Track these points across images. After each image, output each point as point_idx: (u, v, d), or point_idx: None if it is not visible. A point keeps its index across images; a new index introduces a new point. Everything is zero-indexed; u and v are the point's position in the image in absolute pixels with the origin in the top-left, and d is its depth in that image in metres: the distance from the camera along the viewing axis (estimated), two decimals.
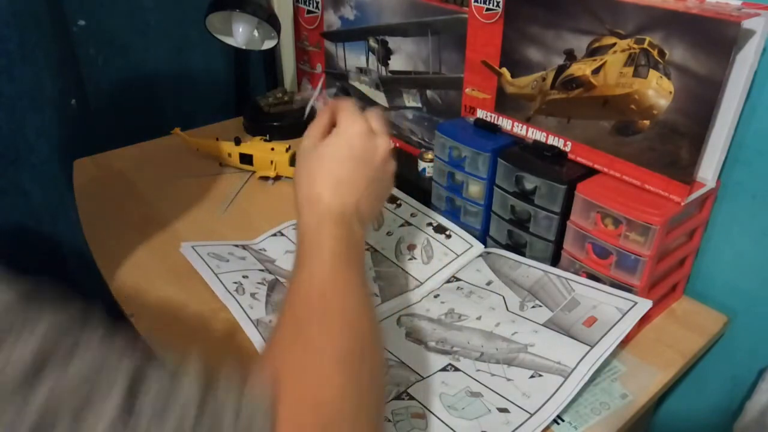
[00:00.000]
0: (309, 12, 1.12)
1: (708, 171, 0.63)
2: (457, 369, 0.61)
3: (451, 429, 0.54)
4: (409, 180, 0.90)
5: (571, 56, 0.67)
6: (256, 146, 0.99)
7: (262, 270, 0.74)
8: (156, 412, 0.30)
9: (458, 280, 0.74)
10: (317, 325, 0.42)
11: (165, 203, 0.91)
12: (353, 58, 1.07)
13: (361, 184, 0.53)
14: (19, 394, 0.28)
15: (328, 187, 0.51)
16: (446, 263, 0.76)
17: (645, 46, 0.60)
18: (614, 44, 0.62)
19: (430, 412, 0.56)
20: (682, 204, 0.62)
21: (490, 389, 0.58)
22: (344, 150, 0.53)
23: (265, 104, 1.17)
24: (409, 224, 0.82)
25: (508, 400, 0.57)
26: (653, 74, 0.60)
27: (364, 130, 0.54)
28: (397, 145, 1.05)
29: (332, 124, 0.56)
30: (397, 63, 0.99)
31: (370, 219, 0.55)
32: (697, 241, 0.70)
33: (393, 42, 0.98)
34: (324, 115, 0.57)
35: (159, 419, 0.30)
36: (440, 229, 0.81)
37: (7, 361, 0.28)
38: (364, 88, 1.07)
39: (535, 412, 0.55)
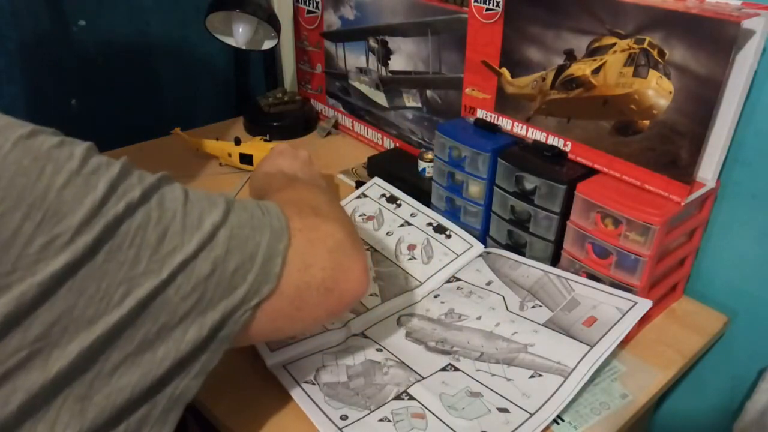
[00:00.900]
0: (309, 12, 1.12)
1: (708, 171, 0.63)
2: (457, 369, 0.61)
3: (451, 429, 0.54)
4: (409, 180, 0.90)
5: (571, 56, 0.67)
6: (256, 146, 0.99)
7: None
8: None
9: (458, 280, 0.74)
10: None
11: None
12: (353, 58, 1.07)
13: (292, 168, 0.73)
14: None
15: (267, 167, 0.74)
16: (446, 263, 0.76)
17: (645, 46, 0.60)
18: (614, 44, 0.62)
19: (430, 412, 0.56)
20: (682, 204, 0.62)
21: (490, 389, 0.58)
22: (272, 154, 0.78)
23: (265, 104, 1.17)
24: (409, 224, 0.82)
25: (508, 400, 0.57)
26: (653, 74, 0.60)
27: (284, 146, 0.80)
28: (397, 145, 1.05)
29: None
30: (397, 63, 0.99)
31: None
32: (696, 241, 0.70)
33: (393, 42, 0.98)
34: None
35: None
36: (440, 229, 0.81)
37: None
38: (364, 88, 1.07)
39: (535, 412, 0.55)
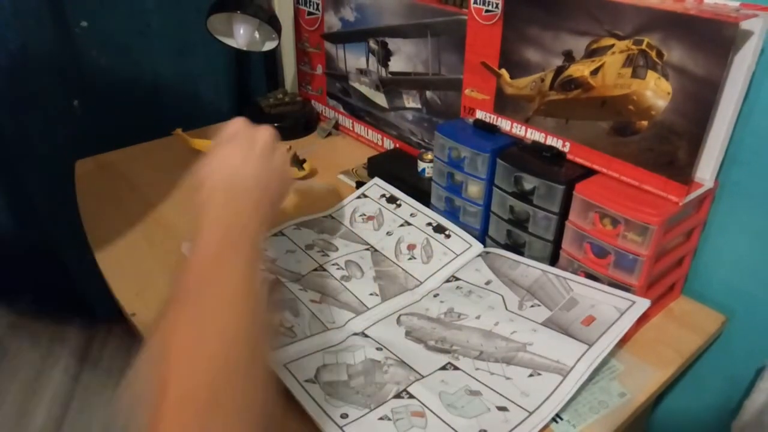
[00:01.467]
0: (309, 13, 1.12)
1: (706, 171, 0.63)
2: (456, 368, 0.61)
3: (451, 427, 0.54)
4: (408, 180, 0.91)
5: (569, 57, 0.67)
6: None
7: (262, 270, 0.74)
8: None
9: (457, 279, 0.74)
10: (194, 299, 0.43)
11: (166, 203, 0.91)
12: (353, 59, 1.07)
13: (248, 167, 0.56)
14: None
15: (209, 172, 0.54)
16: (446, 263, 0.77)
17: (643, 47, 0.60)
18: (612, 45, 0.63)
19: (430, 410, 0.56)
20: (680, 204, 0.62)
21: (490, 388, 0.58)
22: (221, 140, 0.59)
23: (265, 105, 1.17)
24: (409, 224, 0.83)
25: (507, 398, 0.57)
26: (651, 75, 0.60)
27: (240, 125, 0.60)
28: (397, 145, 1.05)
29: None
30: (396, 64, 0.99)
31: (266, 200, 0.56)
32: (695, 241, 0.71)
33: (393, 43, 0.98)
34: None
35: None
36: (440, 229, 0.81)
37: None
38: (364, 90, 1.08)
39: (534, 411, 0.55)
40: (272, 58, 1.27)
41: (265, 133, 0.60)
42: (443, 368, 0.61)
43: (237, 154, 0.57)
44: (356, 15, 1.03)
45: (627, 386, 0.61)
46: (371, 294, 0.72)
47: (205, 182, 0.53)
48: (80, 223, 0.87)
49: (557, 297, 0.67)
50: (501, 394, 0.57)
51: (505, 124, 0.78)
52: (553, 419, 0.56)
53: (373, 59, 1.03)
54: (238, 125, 0.60)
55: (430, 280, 0.75)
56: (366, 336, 0.66)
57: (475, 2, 0.75)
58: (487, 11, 0.74)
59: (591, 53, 0.65)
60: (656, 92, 0.60)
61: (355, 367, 0.61)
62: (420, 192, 0.87)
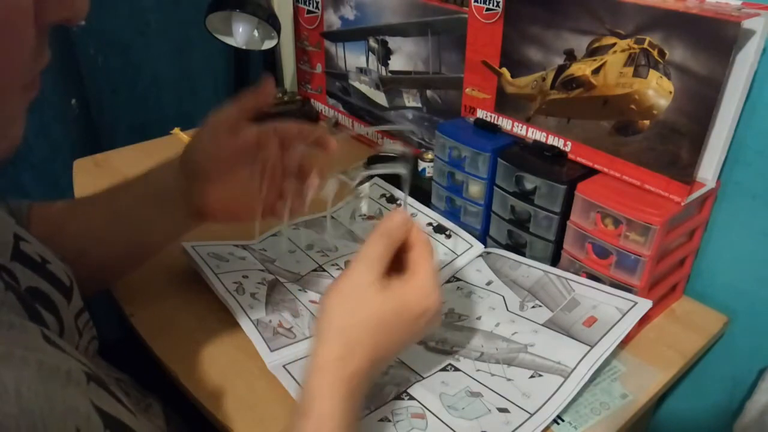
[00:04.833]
0: (309, 12, 1.12)
1: (708, 171, 0.63)
2: (457, 369, 0.61)
3: (451, 429, 0.54)
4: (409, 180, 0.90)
5: (571, 56, 0.67)
6: None
7: (262, 270, 0.74)
8: None
9: (458, 280, 0.74)
10: None
11: None
12: (353, 58, 1.07)
13: (397, 350, 0.48)
14: None
15: (366, 359, 0.45)
16: (446, 263, 0.76)
17: (645, 46, 0.60)
18: (614, 44, 0.62)
19: (430, 412, 0.56)
20: (682, 204, 0.62)
21: (490, 389, 0.58)
22: (409, 316, 0.47)
23: None
24: None
25: (508, 400, 0.57)
26: (653, 74, 0.60)
27: (433, 307, 0.48)
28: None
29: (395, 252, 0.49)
30: (397, 63, 0.99)
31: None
32: (696, 241, 0.70)
33: (393, 42, 0.98)
34: (393, 236, 0.48)
35: None
36: (440, 229, 0.81)
37: None
38: (364, 88, 1.07)
39: (535, 412, 0.55)
40: (271, 56, 1.26)
41: (437, 319, 0.50)
42: (444, 369, 0.61)
43: (416, 336, 0.49)
44: (356, 13, 1.02)
45: (629, 387, 0.61)
46: None
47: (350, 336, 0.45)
48: None
49: (558, 298, 0.66)
50: (502, 396, 0.57)
51: (506, 124, 0.78)
52: (555, 421, 0.55)
53: (373, 58, 1.03)
54: (428, 311, 0.48)
55: None
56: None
57: (476, 1, 0.75)
58: (488, 9, 0.74)
59: (592, 52, 0.65)
60: (658, 91, 0.60)
61: None
62: (420, 192, 0.87)
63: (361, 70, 1.06)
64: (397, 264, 0.49)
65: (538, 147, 0.72)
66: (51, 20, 0.32)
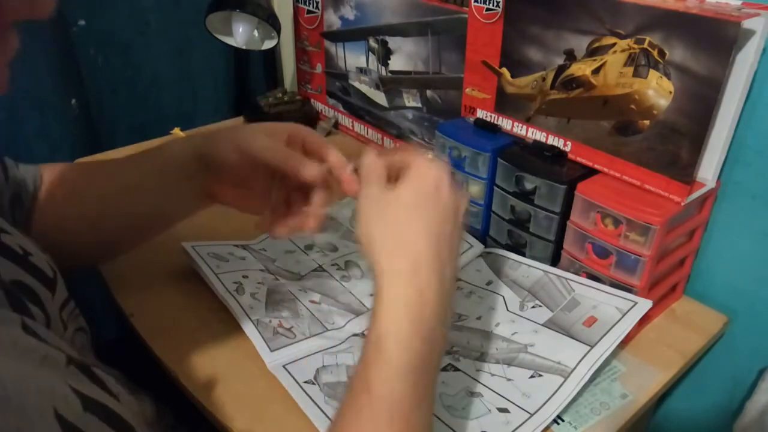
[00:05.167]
0: (309, 12, 1.12)
1: (708, 171, 0.63)
2: (457, 369, 0.61)
3: (451, 429, 0.54)
4: None
5: (571, 56, 0.67)
6: None
7: (262, 270, 0.74)
8: None
9: (458, 280, 0.74)
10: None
11: None
12: (353, 58, 1.07)
13: (442, 230, 0.47)
14: None
15: (423, 247, 0.46)
16: None
17: (645, 46, 0.60)
18: (614, 44, 0.62)
19: None
20: (682, 204, 0.62)
21: (490, 389, 0.58)
22: (428, 190, 0.47)
23: (265, 104, 1.16)
24: None
25: (507, 400, 0.57)
26: (653, 74, 0.60)
27: (444, 177, 0.48)
28: (398, 145, 1.05)
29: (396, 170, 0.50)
30: (397, 63, 0.99)
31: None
32: (696, 241, 0.70)
33: (393, 42, 0.98)
34: (386, 156, 0.51)
35: None
36: None
37: None
38: (364, 88, 1.07)
39: (535, 412, 0.55)
40: (271, 56, 1.26)
41: (464, 202, 0.50)
42: (444, 369, 0.61)
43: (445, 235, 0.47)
44: (356, 13, 1.02)
45: (629, 387, 0.61)
46: (371, 294, 0.72)
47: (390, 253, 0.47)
48: None
49: (558, 298, 0.66)
50: (502, 396, 0.57)
51: (506, 124, 0.78)
52: (555, 421, 0.55)
53: (373, 58, 1.03)
54: (442, 181, 0.48)
55: None
56: (366, 337, 0.65)
57: (476, 1, 0.75)
58: (488, 9, 0.74)
59: (592, 52, 0.65)
60: (658, 91, 0.60)
61: (355, 368, 0.60)
62: None
63: (361, 70, 1.06)
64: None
65: (538, 147, 0.72)
66: (13, 18, 0.32)
